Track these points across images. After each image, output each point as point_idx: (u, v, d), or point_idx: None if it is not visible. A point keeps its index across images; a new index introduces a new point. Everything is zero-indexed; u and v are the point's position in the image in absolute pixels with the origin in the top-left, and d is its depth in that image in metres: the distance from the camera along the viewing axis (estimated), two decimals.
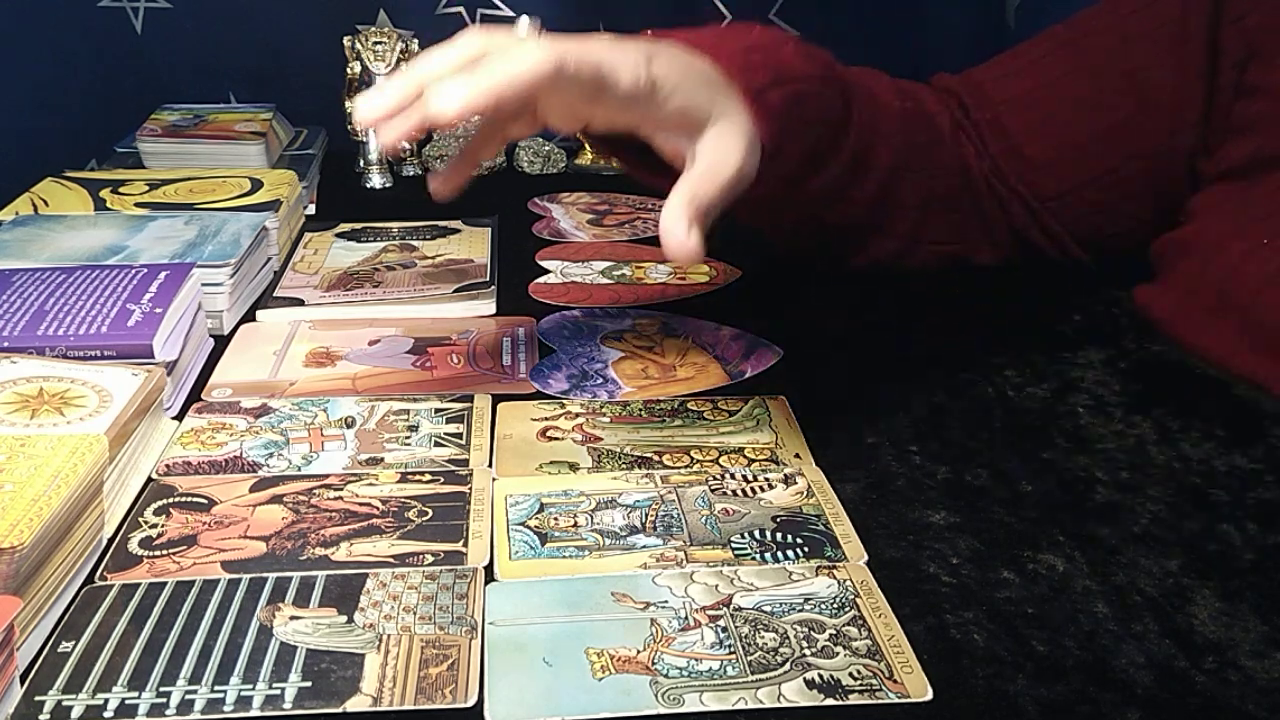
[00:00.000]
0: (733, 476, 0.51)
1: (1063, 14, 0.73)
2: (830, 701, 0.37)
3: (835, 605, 0.42)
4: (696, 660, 0.39)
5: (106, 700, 0.37)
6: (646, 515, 0.48)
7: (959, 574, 0.44)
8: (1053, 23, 0.73)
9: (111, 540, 0.46)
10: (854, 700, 0.37)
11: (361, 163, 1.01)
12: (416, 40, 1.04)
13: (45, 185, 0.83)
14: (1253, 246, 0.59)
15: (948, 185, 0.70)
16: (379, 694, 0.37)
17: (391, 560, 0.45)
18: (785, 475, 0.51)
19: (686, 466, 0.52)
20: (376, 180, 1.00)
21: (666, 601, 0.42)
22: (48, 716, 0.36)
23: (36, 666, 0.39)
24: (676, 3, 1.12)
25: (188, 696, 0.37)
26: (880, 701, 0.37)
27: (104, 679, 0.38)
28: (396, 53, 0.98)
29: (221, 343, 0.66)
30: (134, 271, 0.63)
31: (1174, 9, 0.66)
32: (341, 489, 0.50)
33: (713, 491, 0.50)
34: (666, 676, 0.38)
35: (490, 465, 0.52)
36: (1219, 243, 0.62)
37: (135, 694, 0.37)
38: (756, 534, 0.46)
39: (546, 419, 0.56)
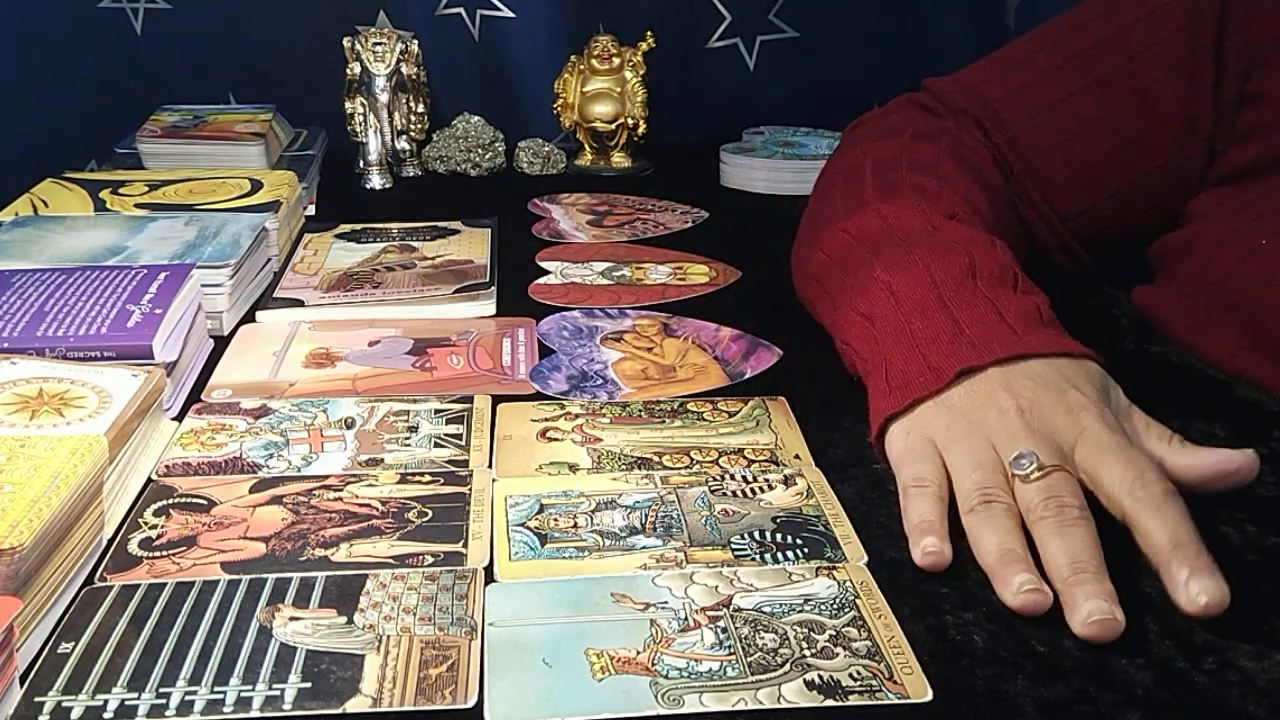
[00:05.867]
0: (732, 477, 0.51)
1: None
2: (830, 702, 0.37)
3: (835, 606, 0.42)
4: (696, 661, 0.39)
5: (106, 701, 0.37)
6: (646, 516, 0.48)
7: (959, 575, 0.44)
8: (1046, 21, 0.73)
9: (111, 541, 0.46)
10: (854, 701, 0.37)
11: (361, 163, 1.01)
12: (416, 40, 1.04)
13: (45, 186, 0.83)
14: (1252, 247, 0.59)
15: (1008, 229, 0.67)
16: (379, 695, 0.37)
17: (391, 561, 0.45)
18: (785, 476, 0.51)
19: (686, 467, 0.52)
20: (376, 181, 1.00)
21: (666, 602, 0.42)
22: (47, 717, 0.36)
23: (36, 667, 0.38)
24: (676, 3, 1.12)
25: (187, 697, 0.37)
26: (880, 702, 0.37)
27: (104, 680, 0.38)
28: (396, 53, 0.98)
29: (221, 343, 0.66)
30: (134, 272, 0.63)
31: (1178, 19, 0.65)
32: (341, 490, 0.50)
33: (712, 492, 0.50)
34: (666, 677, 0.38)
35: (490, 466, 0.52)
36: (1219, 244, 0.62)
37: (135, 695, 0.37)
38: (756, 535, 0.46)
39: (546, 420, 0.56)
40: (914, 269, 0.55)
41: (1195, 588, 0.40)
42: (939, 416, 0.49)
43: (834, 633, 0.40)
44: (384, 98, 0.99)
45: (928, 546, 0.44)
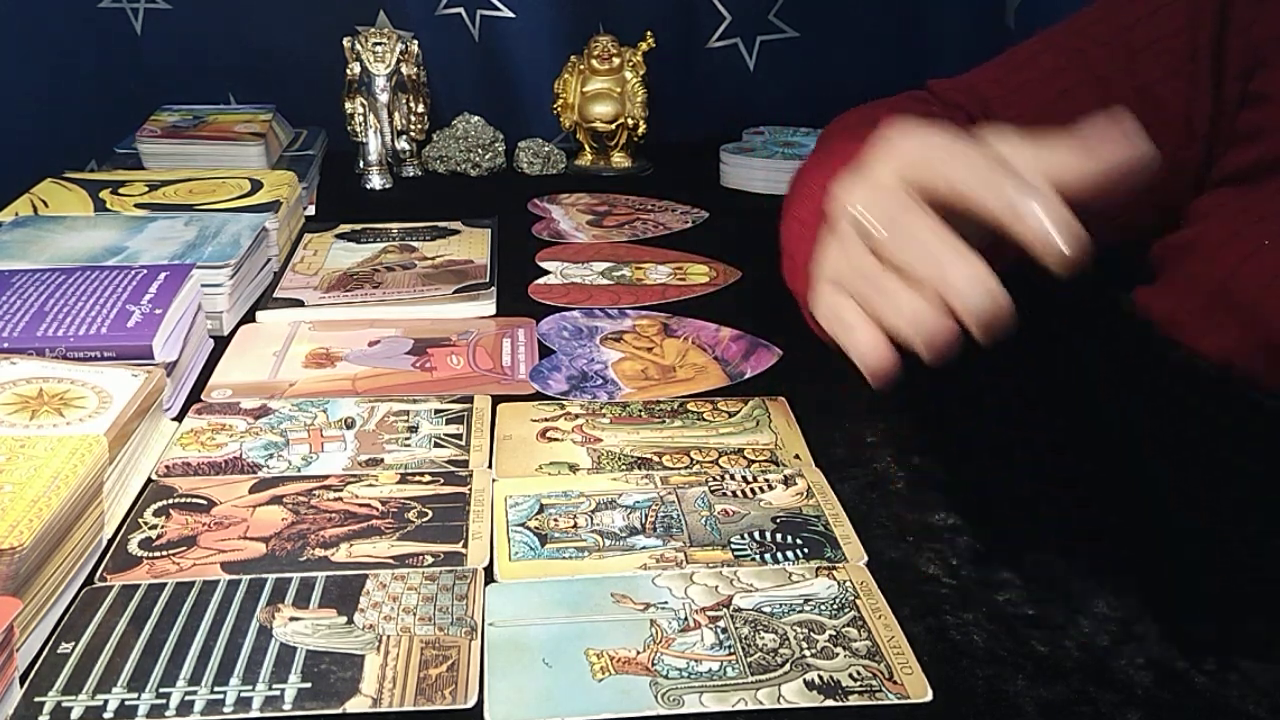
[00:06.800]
0: (732, 477, 0.51)
1: (1062, 16, 0.72)
2: (830, 702, 0.37)
3: (835, 606, 0.42)
4: (696, 661, 0.39)
5: (106, 701, 0.37)
6: (646, 516, 0.48)
7: (959, 575, 0.44)
8: (1052, 25, 0.73)
9: (111, 541, 0.46)
10: (853, 701, 0.37)
11: (361, 163, 1.01)
12: (416, 40, 1.04)
13: (45, 186, 0.83)
14: (1254, 248, 0.59)
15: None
16: (379, 695, 0.37)
17: (391, 561, 0.45)
18: (785, 476, 0.51)
19: (686, 467, 0.52)
20: (376, 181, 1.00)
21: (666, 602, 0.42)
22: (47, 717, 0.36)
23: (36, 667, 0.38)
24: (676, 3, 1.12)
25: (187, 697, 0.37)
26: (880, 702, 0.37)
27: (104, 680, 0.38)
28: (396, 53, 0.98)
29: (221, 343, 0.66)
30: (134, 272, 0.63)
31: (1178, 19, 0.65)
32: (341, 490, 0.50)
33: (712, 492, 0.50)
34: (666, 677, 0.38)
35: (490, 466, 0.52)
36: (1220, 245, 0.62)
37: (135, 695, 0.37)
38: (756, 535, 0.46)
39: (546, 420, 0.56)
40: (824, 166, 0.54)
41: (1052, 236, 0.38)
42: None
43: (834, 633, 0.40)
44: (384, 98, 0.99)
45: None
